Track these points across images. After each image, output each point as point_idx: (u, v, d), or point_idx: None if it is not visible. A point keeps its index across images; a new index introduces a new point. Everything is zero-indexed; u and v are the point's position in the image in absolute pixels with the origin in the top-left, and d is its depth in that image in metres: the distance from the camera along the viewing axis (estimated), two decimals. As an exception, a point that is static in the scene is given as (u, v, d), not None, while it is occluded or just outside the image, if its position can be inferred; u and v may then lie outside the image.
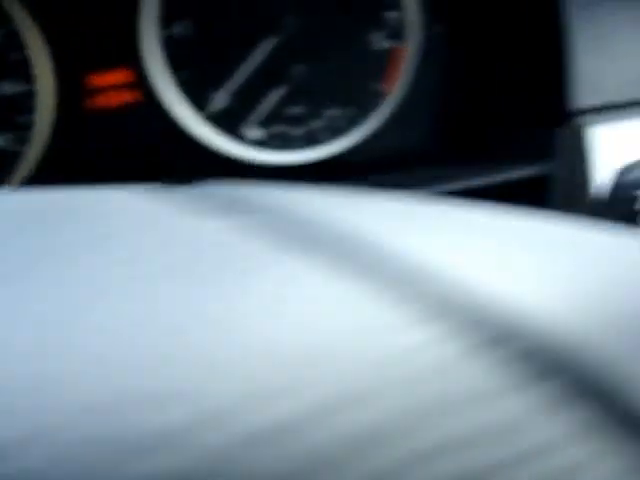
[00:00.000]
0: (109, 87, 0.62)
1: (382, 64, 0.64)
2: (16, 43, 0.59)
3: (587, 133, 0.55)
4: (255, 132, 0.64)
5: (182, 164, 0.64)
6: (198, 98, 0.63)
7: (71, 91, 0.61)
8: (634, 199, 0.45)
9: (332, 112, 0.64)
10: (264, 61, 0.64)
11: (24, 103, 0.60)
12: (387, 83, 0.64)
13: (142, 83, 0.63)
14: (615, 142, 0.55)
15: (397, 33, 0.64)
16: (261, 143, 0.64)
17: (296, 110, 0.64)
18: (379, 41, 0.64)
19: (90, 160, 0.62)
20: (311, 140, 0.64)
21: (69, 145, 0.61)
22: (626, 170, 0.46)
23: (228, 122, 0.64)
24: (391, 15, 0.64)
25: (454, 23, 0.64)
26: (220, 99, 0.64)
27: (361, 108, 0.64)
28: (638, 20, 0.58)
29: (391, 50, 0.64)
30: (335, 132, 0.64)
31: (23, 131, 0.60)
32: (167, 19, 0.63)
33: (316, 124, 0.64)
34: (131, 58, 0.62)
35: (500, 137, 0.61)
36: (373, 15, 0.64)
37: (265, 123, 0.64)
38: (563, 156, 0.56)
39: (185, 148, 0.63)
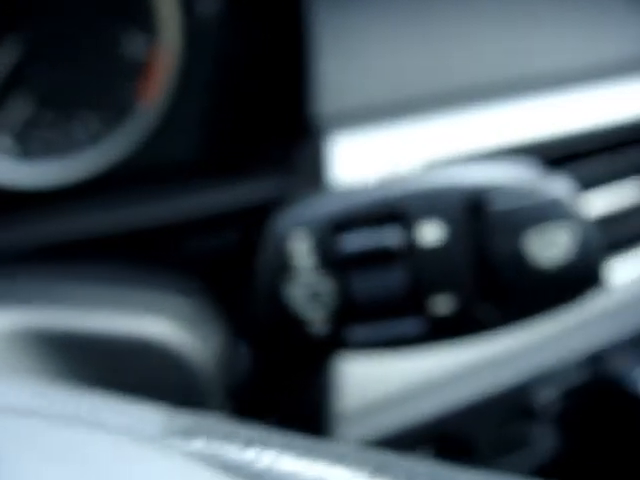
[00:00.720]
0: None
1: (138, 68, 0.59)
2: None
3: (327, 146, 0.50)
4: (6, 143, 0.59)
5: None
6: (-60, 108, 0.58)
7: None
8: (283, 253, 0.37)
9: (85, 122, 0.59)
10: (7, 65, 0.58)
11: None
12: (144, 89, 0.59)
13: None
14: (358, 156, 0.50)
15: (153, 34, 0.58)
16: (14, 155, 0.59)
17: (46, 118, 0.59)
18: (134, 44, 0.58)
19: None
20: (66, 151, 0.59)
21: None
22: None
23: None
24: (146, 14, 0.58)
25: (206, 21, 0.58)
26: (-36, 109, 0.58)
27: (116, 118, 0.59)
28: (388, 22, 0.52)
29: (147, 53, 0.58)
30: (90, 143, 0.59)
31: None
32: None
33: (68, 134, 0.59)
34: None
35: (243, 150, 0.55)
36: (126, 15, 0.58)
37: (16, 134, 0.59)
38: (301, 172, 0.50)
39: None
